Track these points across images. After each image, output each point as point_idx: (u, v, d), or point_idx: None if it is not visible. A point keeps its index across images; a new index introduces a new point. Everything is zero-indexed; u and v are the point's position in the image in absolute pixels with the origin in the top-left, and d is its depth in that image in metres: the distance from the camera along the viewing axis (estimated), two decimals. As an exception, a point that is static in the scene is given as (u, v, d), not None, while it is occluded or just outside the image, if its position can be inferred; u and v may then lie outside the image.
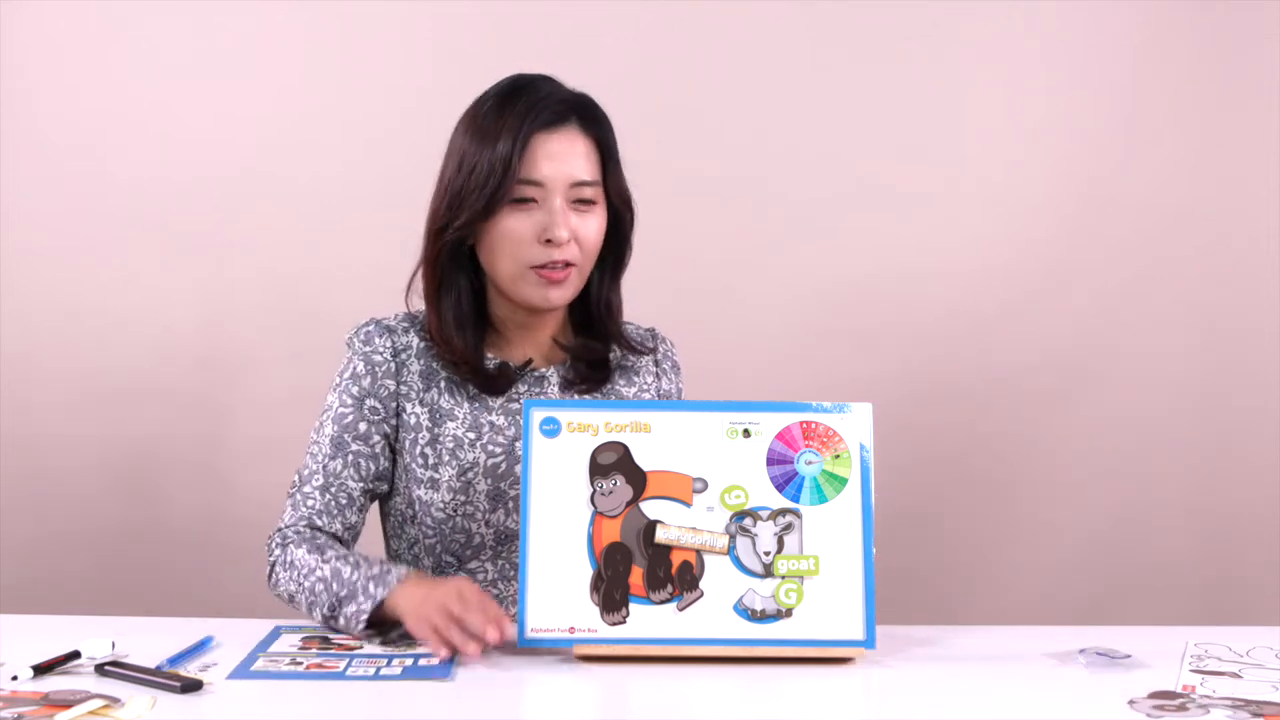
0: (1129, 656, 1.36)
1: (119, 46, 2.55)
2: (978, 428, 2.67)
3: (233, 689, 1.25)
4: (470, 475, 1.59)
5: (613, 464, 1.38)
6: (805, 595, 1.36)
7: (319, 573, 1.48)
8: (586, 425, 1.39)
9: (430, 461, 1.59)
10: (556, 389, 1.65)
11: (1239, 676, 1.31)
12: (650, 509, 1.37)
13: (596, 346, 1.67)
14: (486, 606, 1.36)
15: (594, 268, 1.63)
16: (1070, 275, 2.65)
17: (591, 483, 1.38)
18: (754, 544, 1.37)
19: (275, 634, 1.43)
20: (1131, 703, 1.22)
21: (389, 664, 1.32)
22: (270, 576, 1.55)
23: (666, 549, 1.36)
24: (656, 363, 1.74)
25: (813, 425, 1.40)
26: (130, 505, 2.59)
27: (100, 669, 1.27)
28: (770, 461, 1.39)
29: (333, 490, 1.57)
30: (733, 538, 1.37)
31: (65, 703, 1.17)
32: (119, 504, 2.59)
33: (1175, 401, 2.67)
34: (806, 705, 1.25)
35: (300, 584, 1.49)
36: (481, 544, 1.60)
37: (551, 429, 1.40)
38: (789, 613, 1.35)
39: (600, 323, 1.67)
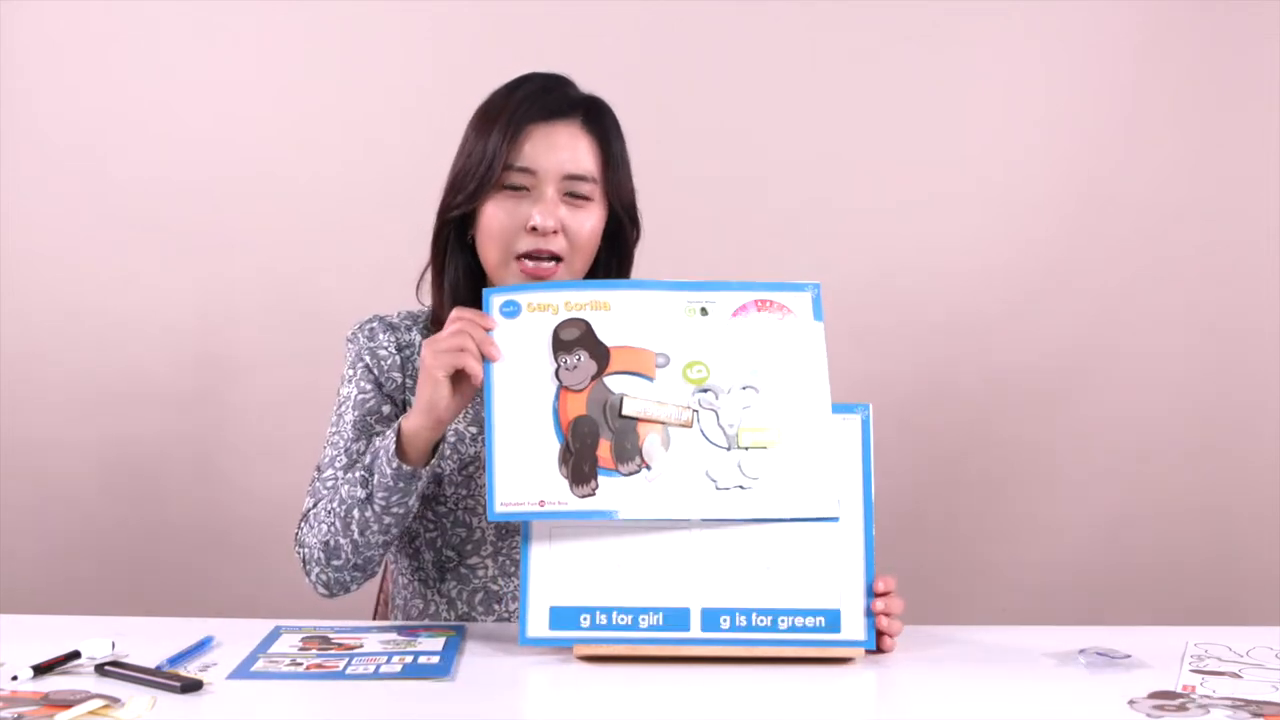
0: (1129, 656, 1.36)
1: (119, 46, 2.56)
2: (978, 428, 2.67)
3: (233, 689, 1.25)
4: (471, 469, 1.59)
5: (575, 339, 1.38)
6: (769, 465, 1.37)
7: (337, 489, 1.49)
8: (546, 305, 1.40)
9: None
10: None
11: (1239, 676, 1.31)
12: (614, 384, 1.38)
13: None
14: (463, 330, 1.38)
15: (599, 272, 1.63)
16: (1070, 275, 2.66)
17: (555, 358, 1.38)
18: (717, 417, 1.37)
19: (275, 634, 1.43)
20: (1131, 703, 1.22)
21: (389, 661, 1.32)
22: (304, 567, 1.54)
23: (633, 422, 1.37)
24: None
25: (767, 302, 1.41)
26: (130, 505, 2.60)
27: (100, 669, 1.27)
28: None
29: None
30: (696, 412, 1.38)
31: (65, 703, 1.17)
32: (119, 504, 2.59)
33: (1175, 401, 2.67)
34: (806, 705, 1.25)
35: (330, 513, 1.49)
36: (482, 538, 1.60)
37: (511, 310, 1.40)
38: (754, 483, 1.36)
39: None
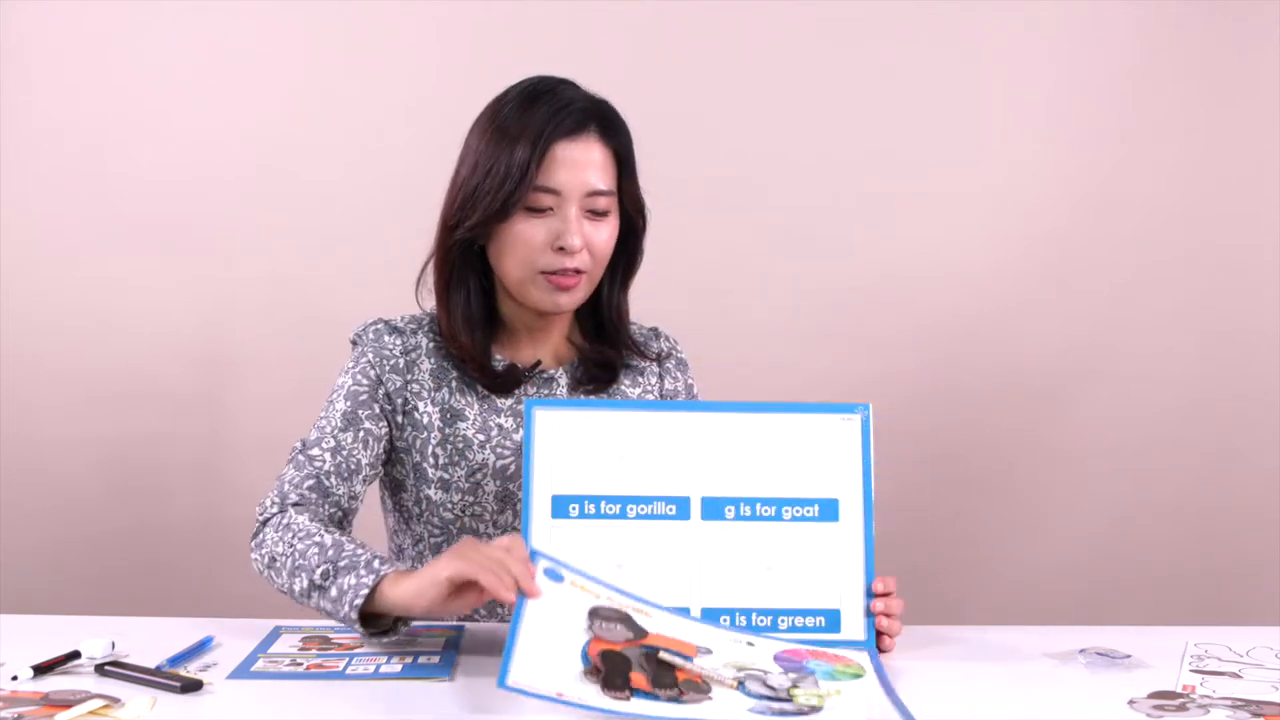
0: (1129, 656, 1.36)
1: (120, 47, 2.55)
2: (978, 428, 2.67)
3: (233, 689, 1.25)
4: (479, 476, 1.59)
5: (613, 616, 1.29)
6: (826, 706, 1.21)
7: (318, 538, 1.40)
8: (588, 589, 1.31)
9: (441, 461, 1.59)
10: (565, 390, 1.65)
11: (1239, 676, 1.31)
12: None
13: (607, 351, 1.67)
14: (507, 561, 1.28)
15: (605, 273, 1.63)
16: (1070, 275, 2.66)
17: (591, 625, 1.26)
18: (765, 680, 1.25)
19: (275, 634, 1.43)
20: (1131, 703, 1.22)
21: (389, 661, 1.32)
22: (255, 536, 1.49)
23: (672, 665, 1.23)
24: (660, 361, 1.74)
25: (818, 650, 1.32)
26: (130, 505, 2.60)
27: (100, 669, 1.27)
28: (777, 659, 1.30)
29: (343, 455, 1.55)
30: (741, 682, 1.23)
31: (65, 703, 1.17)
32: (119, 504, 2.59)
33: (1175, 401, 2.68)
34: (806, 705, 1.25)
35: (291, 545, 1.41)
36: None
37: (554, 576, 1.31)
38: (811, 709, 1.20)
39: (611, 328, 1.67)
